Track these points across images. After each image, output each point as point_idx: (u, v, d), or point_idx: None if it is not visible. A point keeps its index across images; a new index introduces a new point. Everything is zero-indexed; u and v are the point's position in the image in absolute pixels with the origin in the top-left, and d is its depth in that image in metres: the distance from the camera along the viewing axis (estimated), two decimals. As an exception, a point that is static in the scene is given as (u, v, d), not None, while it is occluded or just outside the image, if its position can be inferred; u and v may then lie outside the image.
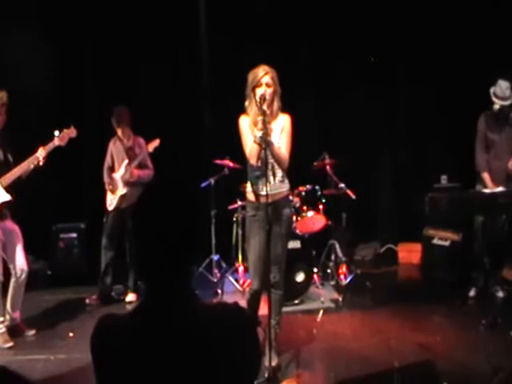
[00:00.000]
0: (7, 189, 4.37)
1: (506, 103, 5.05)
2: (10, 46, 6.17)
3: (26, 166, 4.38)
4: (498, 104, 5.07)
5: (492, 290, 5.33)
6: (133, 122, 5.53)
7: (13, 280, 4.53)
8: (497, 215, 5.17)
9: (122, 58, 6.58)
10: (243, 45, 6.51)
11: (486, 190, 5.03)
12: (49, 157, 4.47)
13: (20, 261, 4.52)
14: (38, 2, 6.51)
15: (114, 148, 5.58)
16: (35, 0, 6.49)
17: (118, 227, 5.50)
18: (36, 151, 4.42)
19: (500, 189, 4.91)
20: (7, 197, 4.36)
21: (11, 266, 4.51)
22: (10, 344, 4.42)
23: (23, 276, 4.54)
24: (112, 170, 5.59)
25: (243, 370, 1.38)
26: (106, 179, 5.61)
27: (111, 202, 5.52)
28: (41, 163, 4.41)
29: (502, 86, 5.04)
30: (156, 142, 5.40)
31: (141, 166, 5.47)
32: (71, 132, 4.61)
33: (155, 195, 1.44)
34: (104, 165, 5.63)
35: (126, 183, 5.44)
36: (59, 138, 4.51)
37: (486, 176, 5.18)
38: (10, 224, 4.49)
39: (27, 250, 4.71)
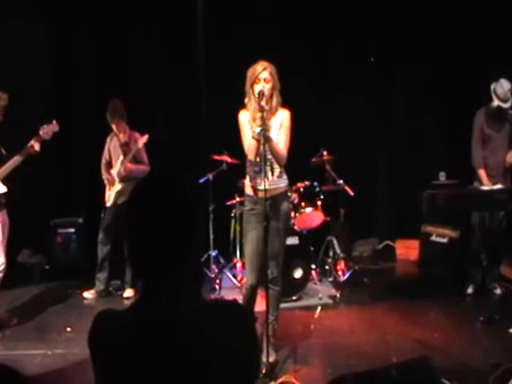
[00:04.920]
0: (3, 181, 4.42)
1: (506, 105, 5.00)
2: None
3: (23, 156, 4.41)
4: (496, 102, 5.05)
5: (490, 287, 5.34)
6: (129, 116, 5.47)
7: None
8: (494, 212, 5.16)
9: (117, 51, 6.55)
10: (240, 38, 6.46)
11: (484, 187, 5.02)
12: (46, 151, 4.47)
13: (1, 253, 4.50)
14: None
15: (112, 144, 5.55)
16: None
17: (114, 222, 5.49)
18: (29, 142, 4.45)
19: (498, 186, 4.89)
20: (4, 188, 4.42)
21: None
22: None
23: (1, 268, 4.49)
24: (110, 165, 5.57)
25: (243, 365, 1.37)
26: (104, 175, 5.60)
27: (109, 197, 5.52)
28: (36, 148, 4.43)
29: (504, 86, 4.98)
30: (145, 138, 5.35)
31: (136, 161, 5.44)
32: (54, 126, 4.58)
33: (148, 188, 1.43)
34: (102, 160, 5.62)
35: (122, 179, 5.43)
36: (43, 131, 4.50)
37: (481, 172, 5.16)
38: (3, 215, 4.50)
39: (25, 244, 4.68)
